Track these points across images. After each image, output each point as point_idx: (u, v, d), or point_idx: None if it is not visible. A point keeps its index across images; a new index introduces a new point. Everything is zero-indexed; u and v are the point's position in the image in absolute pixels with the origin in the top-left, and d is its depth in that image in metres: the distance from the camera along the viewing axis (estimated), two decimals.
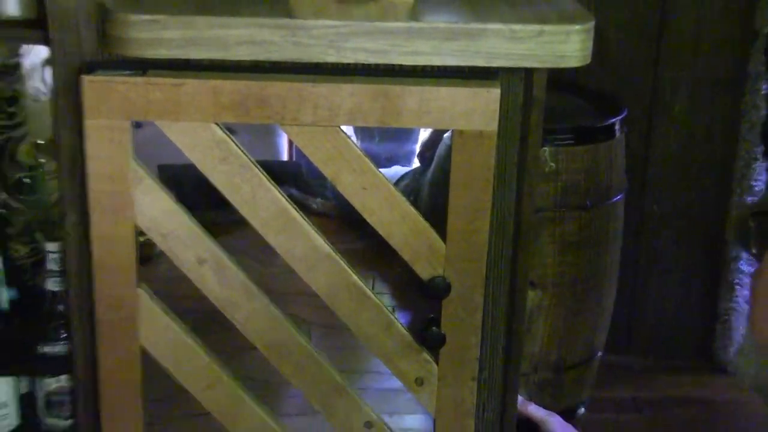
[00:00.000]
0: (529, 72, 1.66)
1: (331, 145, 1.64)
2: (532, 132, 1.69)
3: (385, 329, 1.75)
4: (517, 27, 1.57)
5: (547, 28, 1.58)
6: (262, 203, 1.67)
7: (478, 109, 1.62)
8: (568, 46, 1.59)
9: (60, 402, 1.86)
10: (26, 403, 1.90)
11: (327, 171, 1.66)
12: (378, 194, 1.67)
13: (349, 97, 1.61)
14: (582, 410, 2.11)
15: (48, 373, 1.85)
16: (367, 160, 1.66)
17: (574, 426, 1.87)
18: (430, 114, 1.63)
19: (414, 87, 1.61)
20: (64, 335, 1.80)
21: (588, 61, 1.62)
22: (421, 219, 1.69)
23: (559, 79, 1.70)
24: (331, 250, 1.70)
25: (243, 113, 1.61)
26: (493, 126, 1.63)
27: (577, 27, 1.59)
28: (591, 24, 1.61)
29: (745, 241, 1.44)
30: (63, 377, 1.84)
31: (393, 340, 1.76)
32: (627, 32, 2.16)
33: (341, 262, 1.70)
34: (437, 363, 1.77)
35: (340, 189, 1.68)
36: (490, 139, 1.64)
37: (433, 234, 1.70)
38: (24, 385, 1.91)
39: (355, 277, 1.71)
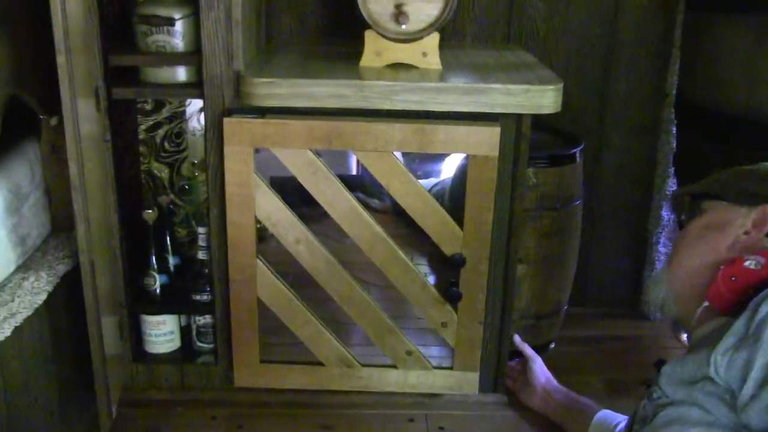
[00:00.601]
0: (519, 116, 1.62)
1: (386, 164, 1.61)
2: (521, 157, 1.64)
3: (421, 288, 1.71)
4: (511, 86, 1.54)
5: (532, 87, 1.55)
6: (338, 202, 1.63)
7: (485, 141, 1.59)
8: (545, 100, 1.56)
9: (206, 332, 1.83)
10: (185, 332, 1.87)
11: (383, 181, 1.63)
12: (417, 197, 1.64)
13: (398, 132, 1.58)
14: (553, 345, 2.07)
15: (198, 313, 1.83)
16: (410, 174, 1.63)
17: (546, 361, 1.83)
18: (453, 143, 1.60)
19: (442, 125, 1.58)
20: (209, 289, 1.77)
21: (559, 109, 1.59)
22: (446, 214, 1.66)
23: (538, 122, 1.64)
24: (385, 234, 1.66)
25: (327, 143, 1.59)
26: (495, 152, 1.60)
27: (552, 87, 1.56)
28: (560, 85, 1.57)
29: (678, 211, 1.39)
30: (208, 316, 1.81)
31: (426, 296, 1.71)
32: (583, 92, 2.12)
33: (391, 242, 1.67)
34: (456, 312, 1.73)
35: (392, 193, 1.65)
36: (493, 161, 1.60)
37: (454, 224, 1.66)
38: (183, 320, 1.88)
39: (401, 252, 1.67)
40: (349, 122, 1.57)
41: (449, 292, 1.70)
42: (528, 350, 1.84)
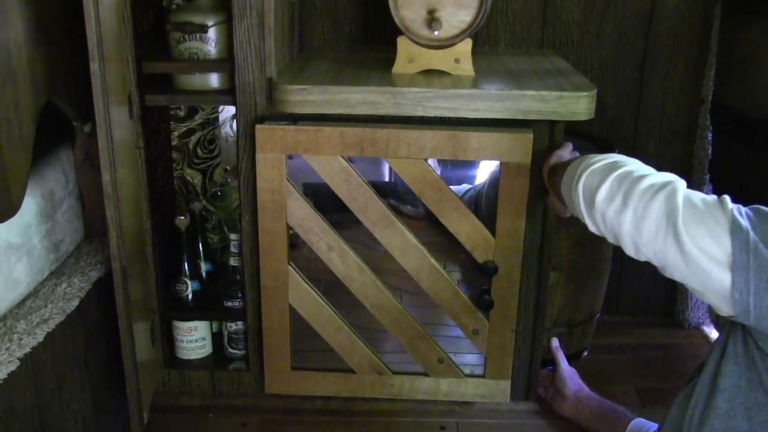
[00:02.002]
0: (552, 123, 1.58)
1: (418, 171, 1.58)
2: None
3: (453, 296, 1.67)
4: (544, 93, 1.51)
5: (565, 94, 1.51)
6: (371, 209, 1.60)
7: (518, 147, 1.55)
8: (579, 106, 1.52)
9: (237, 338, 1.82)
10: (216, 338, 1.86)
11: (415, 188, 1.60)
12: (449, 204, 1.60)
13: (431, 139, 1.55)
14: (586, 353, 2.03)
15: (230, 319, 1.82)
16: (442, 181, 1.59)
17: (579, 369, 1.79)
18: (486, 150, 1.56)
19: (475, 132, 1.55)
20: (240, 295, 1.75)
21: (592, 116, 1.54)
22: (479, 222, 1.62)
23: (572, 128, 1.60)
24: (417, 242, 1.63)
25: (360, 150, 1.56)
26: (528, 159, 1.56)
27: (585, 93, 1.52)
28: (594, 92, 1.53)
29: None
30: (239, 322, 1.80)
31: (458, 303, 1.68)
32: (617, 98, 2.08)
33: (423, 249, 1.64)
34: (488, 319, 1.69)
35: (424, 200, 1.61)
36: (526, 168, 1.57)
37: (486, 232, 1.62)
38: (215, 327, 1.87)
39: (433, 260, 1.64)
40: (382, 129, 1.54)
41: (481, 299, 1.66)
42: (561, 357, 1.80)
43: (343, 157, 1.56)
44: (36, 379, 1.37)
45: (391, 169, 2.09)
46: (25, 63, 1.31)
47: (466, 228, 1.61)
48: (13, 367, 1.27)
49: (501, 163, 1.56)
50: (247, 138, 1.59)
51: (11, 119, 1.26)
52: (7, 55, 1.25)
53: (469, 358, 1.78)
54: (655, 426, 1.52)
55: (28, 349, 1.32)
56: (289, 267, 1.65)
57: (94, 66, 1.38)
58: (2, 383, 1.24)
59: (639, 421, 1.59)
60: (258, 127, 1.55)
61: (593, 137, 1.97)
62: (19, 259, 1.42)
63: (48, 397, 1.42)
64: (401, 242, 1.63)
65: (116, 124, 1.48)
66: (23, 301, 1.44)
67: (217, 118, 1.97)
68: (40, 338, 1.36)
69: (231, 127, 1.96)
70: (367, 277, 1.66)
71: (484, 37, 2.02)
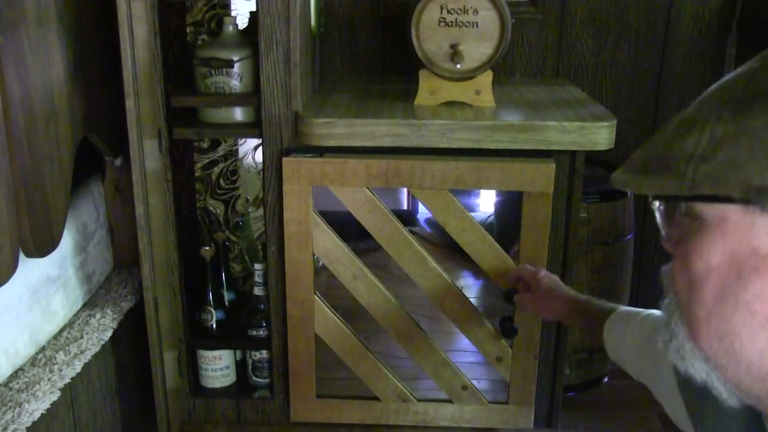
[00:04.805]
0: (573, 153, 1.65)
1: (442, 201, 1.65)
2: (575, 193, 1.67)
3: (477, 323, 1.74)
4: (566, 124, 1.58)
5: (586, 124, 1.58)
6: (396, 239, 1.67)
7: (540, 177, 1.62)
8: (600, 136, 1.59)
9: (261, 367, 1.87)
10: (240, 367, 1.92)
11: (439, 218, 1.67)
12: (473, 234, 1.67)
13: (455, 170, 1.62)
14: (606, 379, 2.06)
15: (254, 348, 1.87)
16: (465, 211, 1.66)
17: (600, 396, 1.83)
18: (509, 181, 1.63)
19: (497, 163, 1.62)
20: (265, 324, 1.81)
21: (612, 146, 1.61)
22: (502, 250, 1.68)
23: (589, 156, 1.67)
24: (441, 271, 1.70)
25: (385, 181, 1.63)
26: (550, 189, 1.63)
27: (606, 124, 1.59)
28: (614, 122, 1.60)
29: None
30: (264, 351, 1.85)
31: (482, 330, 1.74)
32: (631, 126, 2.15)
33: (447, 278, 1.70)
34: (511, 347, 1.75)
35: (448, 230, 1.68)
36: (548, 197, 1.63)
37: (510, 260, 1.68)
38: (239, 355, 1.92)
39: (457, 288, 1.70)
40: (407, 160, 1.61)
41: (506, 327, 1.71)
42: (526, 271, 1.58)
43: (368, 188, 1.64)
44: (74, 409, 1.43)
45: (408, 197, 2.16)
46: (65, 101, 1.38)
47: (489, 257, 1.68)
48: (54, 398, 1.33)
49: (523, 193, 1.63)
50: (273, 170, 1.66)
51: (53, 156, 1.34)
52: (51, 94, 1.32)
53: (490, 384, 1.84)
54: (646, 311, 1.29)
55: (67, 380, 1.38)
56: (315, 296, 1.71)
57: (129, 103, 1.46)
58: (45, 413, 1.30)
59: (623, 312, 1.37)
60: (285, 159, 1.62)
61: (610, 165, 2.04)
62: (56, 291, 1.49)
63: (84, 425, 1.48)
64: (425, 271, 1.69)
65: (148, 157, 1.56)
66: (60, 332, 1.50)
67: (238, 150, 2.04)
68: (78, 369, 1.42)
69: (253, 158, 2.03)
70: (392, 306, 1.72)
71: (500, 68, 2.09)
